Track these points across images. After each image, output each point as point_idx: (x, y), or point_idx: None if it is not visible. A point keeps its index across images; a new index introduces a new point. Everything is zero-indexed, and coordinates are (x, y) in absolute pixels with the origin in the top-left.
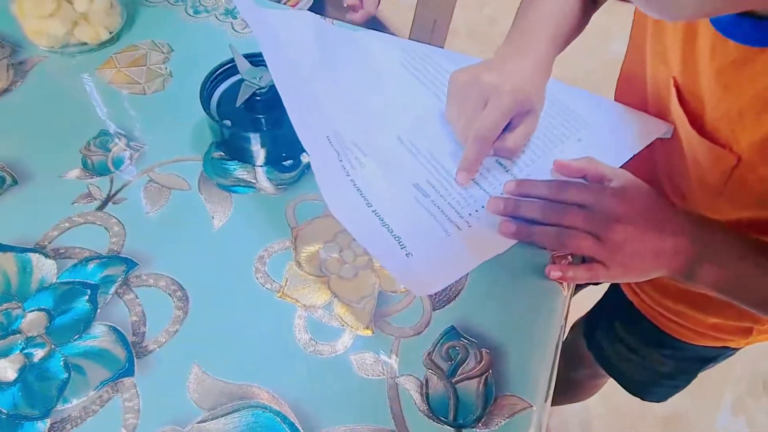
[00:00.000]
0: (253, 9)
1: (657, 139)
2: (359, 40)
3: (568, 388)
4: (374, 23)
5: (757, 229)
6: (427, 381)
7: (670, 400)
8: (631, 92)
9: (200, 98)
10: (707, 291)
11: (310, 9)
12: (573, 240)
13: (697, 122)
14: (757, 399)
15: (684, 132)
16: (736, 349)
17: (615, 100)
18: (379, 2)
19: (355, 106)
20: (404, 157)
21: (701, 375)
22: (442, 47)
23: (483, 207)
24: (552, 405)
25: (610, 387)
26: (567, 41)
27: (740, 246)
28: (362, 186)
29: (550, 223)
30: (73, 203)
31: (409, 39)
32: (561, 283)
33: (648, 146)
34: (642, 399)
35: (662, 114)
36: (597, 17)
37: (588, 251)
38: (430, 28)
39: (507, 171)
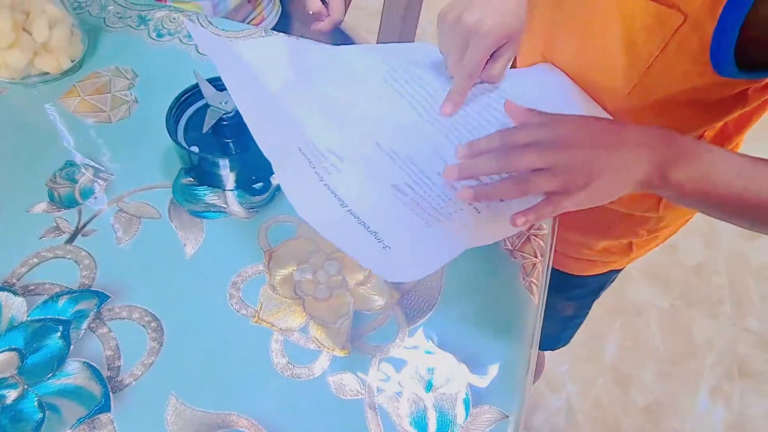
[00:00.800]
0: (213, 41)
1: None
2: (340, 55)
3: None
4: (337, 32)
5: (681, 109)
6: (404, 398)
7: (650, 390)
8: None
9: (167, 126)
10: (694, 203)
11: (276, 26)
12: (530, 180)
13: None
14: (733, 383)
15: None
16: (619, 271)
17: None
18: (347, 8)
19: (333, 118)
20: (383, 160)
21: (678, 363)
22: (414, 34)
23: (462, 209)
24: None
25: (590, 381)
26: None
27: (703, 143)
28: (337, 188)
29: (507, 173)
30: (40, 238)
31: (380, 27)
32: (532, 293)
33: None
34: (552, 350)
35: None
36: None
37: (548, 185)
38: (400, 15)
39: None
